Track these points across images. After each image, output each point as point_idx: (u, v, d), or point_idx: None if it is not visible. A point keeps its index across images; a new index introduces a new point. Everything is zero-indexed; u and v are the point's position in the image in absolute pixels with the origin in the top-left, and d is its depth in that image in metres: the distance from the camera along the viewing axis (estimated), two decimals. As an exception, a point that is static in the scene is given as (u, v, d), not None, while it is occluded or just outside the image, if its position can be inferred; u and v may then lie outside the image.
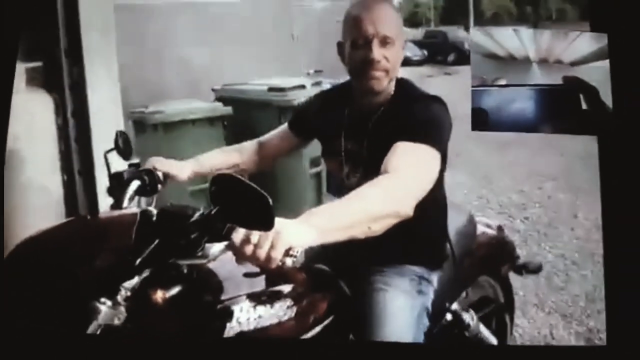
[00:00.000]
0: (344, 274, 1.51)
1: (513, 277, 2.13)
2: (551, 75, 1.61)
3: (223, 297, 1.25)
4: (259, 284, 1.32)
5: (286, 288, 1.34)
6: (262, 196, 1.00)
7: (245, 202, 1.01)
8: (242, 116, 3.51)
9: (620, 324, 1.40)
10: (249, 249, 1.03)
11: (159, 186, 1.51)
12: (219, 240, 1.10)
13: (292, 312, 1.31)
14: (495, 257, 1.98)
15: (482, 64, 1.64)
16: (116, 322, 1.10)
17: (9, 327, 1.19)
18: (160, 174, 1.51)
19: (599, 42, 1.58)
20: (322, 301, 1.39)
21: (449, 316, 1.66)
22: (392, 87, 1.48)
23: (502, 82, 1.63)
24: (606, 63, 1.55)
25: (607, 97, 1.54)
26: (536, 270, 2.11)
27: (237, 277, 1.29)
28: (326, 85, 3.61)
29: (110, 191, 1.47)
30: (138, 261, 1.12)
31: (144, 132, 3.28)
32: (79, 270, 1.16)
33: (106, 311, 1.09)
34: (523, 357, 1.49)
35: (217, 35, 4.47)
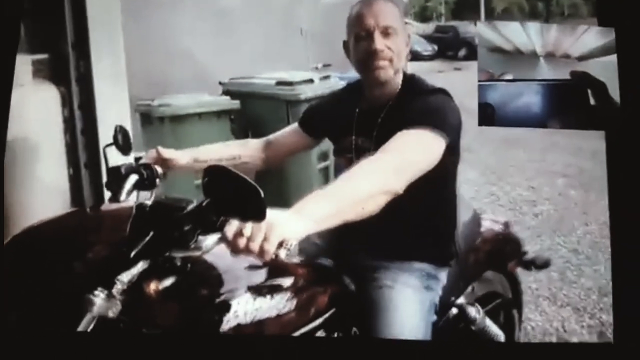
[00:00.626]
0: (349, 269, 1.52)
1: (525, 272, 2.13)
2: (558, 69, 1.61)
3: (222, 290, 1.25)
4: (259, 277, 1.32)
5: (287, 281, 1.34)
6: (253, 187, 1.00)
7: (237, 193, 1.02)
8: (249, 110, 3.51)
9: (628, 320, 1.40)
10: (242, 242, 1.03)
11: (157, 180, 1.50)
12: (213, 232, 1.10)
13: (291, 305, 1.31)
14: (501, 253, 1.98)
15: (489, 58, 1.64)
16: (110, 314, 1.12)
17: (3, 317, 1.19)
18: (159, 169, 1.51)
19: (606, 37, 1.58)
20: (323, 294, 1.39)
21: (454, 310, 1.67)
22: (399, 81, 1.52)
23: (509, 76, 1.63)
24: (614, 58, 1.55)
25: (614, 92, 1.54)
26: (544, 265, 2.10)
27: (236, 270, 1.29)
28: (334, 80, 3.62)
29: (109, 185, 1.47)
30: (133, 253, 1.13)
31: (151, 124, 3.28)
32: (74, 261, 1.18)
33: (100, 303, 1.10)
34: (529, 354, 1.48)
35: (226, 29, 4.48)
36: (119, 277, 1.12)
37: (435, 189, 1.45)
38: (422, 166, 1.31)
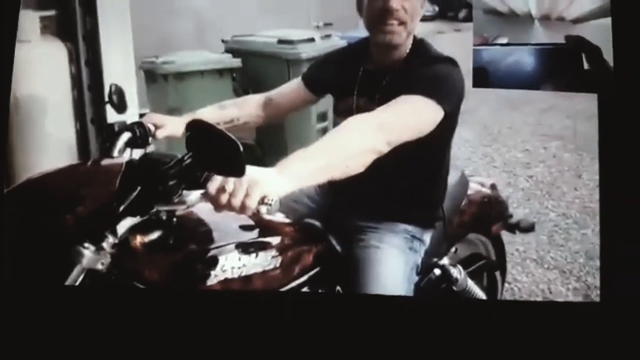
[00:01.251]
0: (337, 230, 1.52)
1: (515, 235, 2.17)
2: (553, 32, 1.62)
3: (211, 246, 1.28)
4: (248, 235, 1.36)
5: (274, 240, 1.36)
6: (233, 142, 1.02)
7: (217, 147, 1.04)
8: (250, 68, 3.51)
9: (614, 281, 1.43)
10: (224, 197, 1.05)
11: (150, 139, 1.52)
12: (197, 188, 1.12)
13: (276, 262, 1.34)
14: (486, 215, 1.98)
15: (484, 20, 1.65)
16: (99, 266, 1.15)
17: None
18: (151, 126, 1.53)
19: (602, 0, 1.57)
20: (308, 253, 1.42)
21: (437, 271, 1.67)
22: (408, 46, 1.49)
23: (504, 40, 1.63)
24: (608, 21, 1.54)
25: (608, 55, 1.54)
26: (529, 229, 2.11)
27: (226, 227, 1.33)
28: (335, 39, 3.61)
29: (102, 142, 1.50)
30: (121, 208, 1.15)
31: (155, 82, 3.29)
32: (66, 214, 1.18)
33: (90, 255, 1.13)
34: (515, 312, 1.51)
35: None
36: (108, 230, 1.15)
37: (427, 154, 1.47)
38: (412, 131, 1.31)
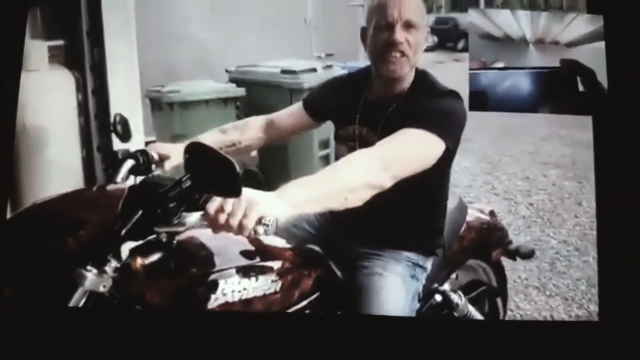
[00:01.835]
0: (338, 256, 1.52)
1: (517, 262, 2.16)
2: (548, 56, 1.64)
3: (212, 270, 1.28)
4: (249, 259, 1.36)
5: (275, 264, 1.37)
6: (230, 163, 1.04)
7: (215, 169, 1.05)
8: (254, 97, 3.55)
9: (612, 302, 1.46)
10: (222, 217, 1.06)
11: (153, 166, 1.54)
12: (197, 210, 1.13)
13: (276, 286, 1.34)
14: (486, 242, 1.97)
15: (480, 45, 1.67)
16: (102, 289, 1.14)
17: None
18: (155, 155, 1.54)
19: (595, 24, 1.60)
20: (308, 277, 1.42)
21: (438, 297, 1.67)
22: (411, 77, 1.50)
23: (500, 64, 1.65)
24: (602, 44, 1.57)
25: (603, 78, 1.57)
26: (529, 255, 2.10)
27: (227, 251, 1.33)
28: (337, 69, 3.65)
29: (106, 169, 1.51)
30: (123, 232, 1.16)
31: (161, 110, 3.34)
32: (69, 238, 1.19)
33: (92, 278, 1.13)
34: (516, 332, 1.52)
35: (232, 18, 4.50)
36: (111, 254, 1.16)
37: (427, 184, 1.46)
38: (414, 166, 1.33)
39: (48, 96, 2.41)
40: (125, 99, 2.51)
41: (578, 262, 3.05)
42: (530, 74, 1.65)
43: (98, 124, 2.52)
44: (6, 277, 1.22)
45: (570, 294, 2.76)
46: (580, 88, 1.63)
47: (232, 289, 1.27)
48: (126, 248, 1.18)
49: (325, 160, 3.53)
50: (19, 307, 1.25)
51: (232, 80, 3.69)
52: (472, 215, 1.93)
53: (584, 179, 4.05)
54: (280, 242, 1.48)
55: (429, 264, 1.61)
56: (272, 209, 1.08)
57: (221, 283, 1.26)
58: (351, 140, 1.54)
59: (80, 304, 1.16)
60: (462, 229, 1.85)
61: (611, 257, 1.48)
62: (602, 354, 1.38)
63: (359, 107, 1.55)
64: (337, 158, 2.95)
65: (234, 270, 1.30)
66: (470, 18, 1.69)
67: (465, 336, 1.47)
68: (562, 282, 2.86)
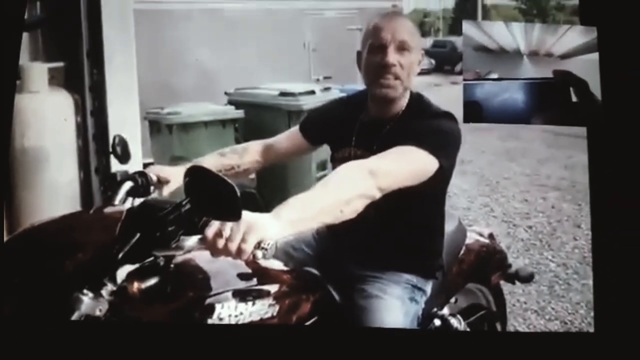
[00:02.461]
0: (335, 278, 1.50)
1: (516, 286, 2.15)
2: (542, 68, 1.65)
3: (208, 294, 1.27)
4: (246, 283, 1.34)
5: (272, 288, 1.36)
6: (230, 186, 1.03)
7: (214, 192, 1.05)
8: (253, 119, 3.58)
9: (607, 314, 1.45)
10: (220, 242, 1.05)
11: (152, 188, 1.53)
12: (196, 234, 1.12)
13: (274, 310, 1.32)
14: (485, 265, 1.95)
15: (474, 57, 1.68)
16: (97, 313, 1.13)
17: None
18: (153, 177, 1.53)
19: (589, 36, 1.61)
20: (305, 301, 1.40)
21: (437, 321, 1.65)
22: (405, 100, 1.51)
23: (495, 75, 1.66)
24: (595, 56, 1.58)
25: (596, 89, 1.57)
26: (528, 278, 2.09)
27: (224, 275, 1.32)
28: (335, 91, 3.68)
29: (105, 191, 1.50)
30: (120, 255, 1.14)
31: (159, 132, 3.37)
32: (65, 261, 1.18)
33: (88, 302, 1.12)
34: (513, 344, 1.51)
35: (231, 41, 4.56)
36: (107, 277, 1.14)
37: (423, 204, 1.47)
38: (404, 179, 1.32)
39: (47, 118, 2.41)
40: (124, 120, 2.51)
41: (577, 285, 3.04)
42: (524, 85, 1.66)
43: (96, 146, 2.51)
44: (3, 298, 1.20)
45: (569, 318, 2.75)
46: (574, 99, 1.64)
47: (228, 313, 1.26)
48: (123, 271, 1.17)
49: (324, 182, 3.53)
50: (15, 329, 1.24)
51: (230, 103, 3.72)
52: (471, 238, 1.91)
53: (582, 202, 4.06)
54: (277, 265, 1.46)
55: (428, 287, 1.59)
56: (270, 231, 1.07)
57: (217, 307, 1.25)
58: (347, 162, 1.51)
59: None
60: (461, 251, 1.83)
61: (605, 272, 1.49)
62: None
63: (355, 129, 1.55)
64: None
65: (230, 294, 1.28)
66: (465, 30, 1.70)
67: (462, 347, 1.47)
68: (561, 306, 2.85)
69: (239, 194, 1.02)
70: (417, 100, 1.52)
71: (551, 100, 1.66)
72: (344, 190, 1.22)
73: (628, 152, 1.50)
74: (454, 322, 1.65)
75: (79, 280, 1.14)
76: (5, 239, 1.47)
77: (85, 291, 1.12)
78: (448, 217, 1.68)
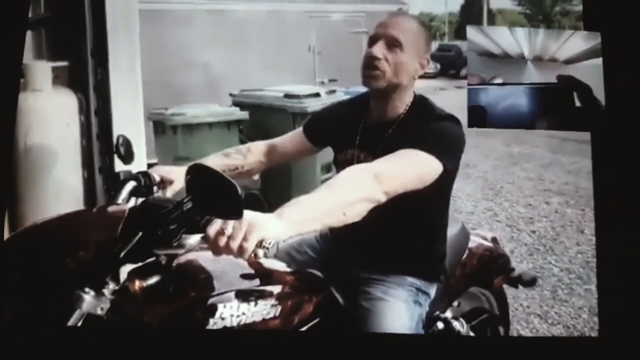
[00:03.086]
0: (338, 280, 1.51)
1: (519, 290, 2.14)
2: (545, 73, 1.66)
3: (211, 294, 1.27)
4: (249, 283, 1.35)
5: (275, 288, 1.35)
6: (231, 184, 1.03)
7: (216, 190, 1.05)
8: (257, 121, 3.59)
9: (610, 319, 1.46)
10: (222, 240, 1.06)
11: (155, 188, 1.53)
12: (197, 232, 1.12)
13: (276, 311, 1.32)
14: (488, 269, 1.95)
15: (478, 62, 1.69)
16: (99, 311, 1.13)
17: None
18: (157, 177, 1.53)
19: (592, 41, 1.62)
20: (308, 302, 1.40)
21: (440, 324, 1.65)
22: (406, 101, 1.51)
23: (499, 80, 1.67)
24: (599, 61, 1.58)
25: (600, 94, 1.58)
26: (531, 282, 2.08)
27: (227, 275, 1.32)
28: (340, 94, 3.68)
29: (108, 191, 1.50)
30: (122, 254, 1.14)
31: (163, 132, 3.36)
32: (67, 259, 1.18)
33: (89, 300, 1.12)
34: (516, 348, 1.52)
35: (237, 43, 4.56)
36: (109, 276, 1.14)
37: (427, 207, 1.47)
38: (409, 182, 1.32)
39: (51, 117, 2.41)
40: (128, 120, 2.51)
41: (580, 290, 3.03)
42: (527, 90, 1.66)
43: (100, 145, 2.50)
44: (4, 297, 1.20)
45: (572, 322, 2.75)
46: (577, 104, 1.64)
47: (230, 313, 1.25)
48: (125, 270, 1.17)
49: (328, 184, 3.53)
50: (16, 327, 1.23)
51: (235, 104, 3.72)
52: (474, 241, 1.91)
53: (586, 207, 4.06)
54: (280, 266, 1.47)
55: (432, 290, 1.59)
56: (272, 230, 1.08)
57: (220, 307, 1.25)
58: (350, 164, 1.51)
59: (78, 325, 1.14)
60: (465, 255, 1.83)
61: (610, 281, 1.49)
62: None
63: (358, 131, 1.55)
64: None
65: (233, 295, 1.28)
66: (469, 35, 1.70)
67: (465, 352, 1.47)
68: (564, 310, 2.84)
69: (240, 191, 1.03)
70: (420, 102, 1.52)
71: (555, 106, 1.66)
72: (348, 193, 1.22)
73: (632, 158, 1.51)
74: (456, 325, 1.65)
75: (80, 278, 1.13)
76: (8, 236, 1.47)
77: (87, 289, 1.12)
78: (451, 220, 1.67)
